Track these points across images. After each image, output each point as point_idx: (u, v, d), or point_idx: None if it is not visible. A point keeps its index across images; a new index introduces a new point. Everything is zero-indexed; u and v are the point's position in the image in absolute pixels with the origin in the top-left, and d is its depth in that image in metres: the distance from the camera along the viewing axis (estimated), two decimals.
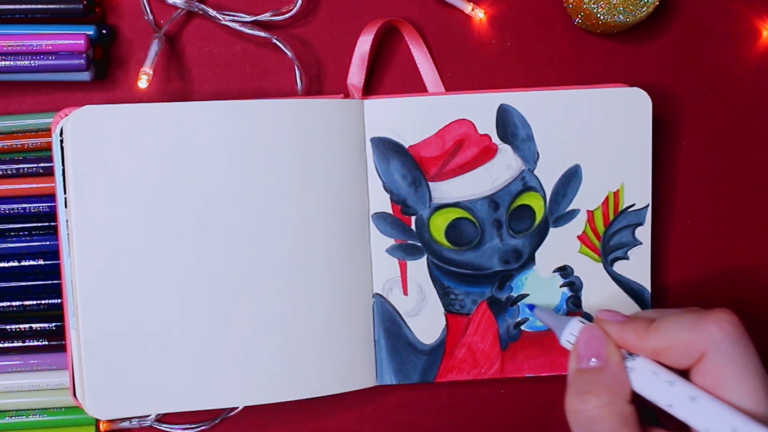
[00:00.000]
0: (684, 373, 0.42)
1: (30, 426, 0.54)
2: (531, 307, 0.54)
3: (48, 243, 0.53)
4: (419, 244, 0.53)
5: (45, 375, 0.54)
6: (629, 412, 0.41)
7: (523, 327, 0.54)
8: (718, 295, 0.57)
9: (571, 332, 0.46)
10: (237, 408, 0.55)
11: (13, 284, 0.53)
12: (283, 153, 0.50)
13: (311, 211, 0.51)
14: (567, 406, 0.42)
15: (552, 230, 0.54)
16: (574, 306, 0.54)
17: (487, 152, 0.53)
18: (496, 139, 0.53)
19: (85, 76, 0.51)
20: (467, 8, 0.55)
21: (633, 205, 0.54)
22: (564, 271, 0.54)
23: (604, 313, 0.45)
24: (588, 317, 0.54)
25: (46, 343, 0.53)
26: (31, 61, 0.50)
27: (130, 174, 0.49)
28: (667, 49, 0.56)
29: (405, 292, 0.54)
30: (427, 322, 0.54)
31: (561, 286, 0.54)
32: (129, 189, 0.49)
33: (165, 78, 0.54)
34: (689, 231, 0.57)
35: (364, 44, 0.53)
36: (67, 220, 0.49)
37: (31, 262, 0.53)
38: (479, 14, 0.55)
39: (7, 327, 0.53)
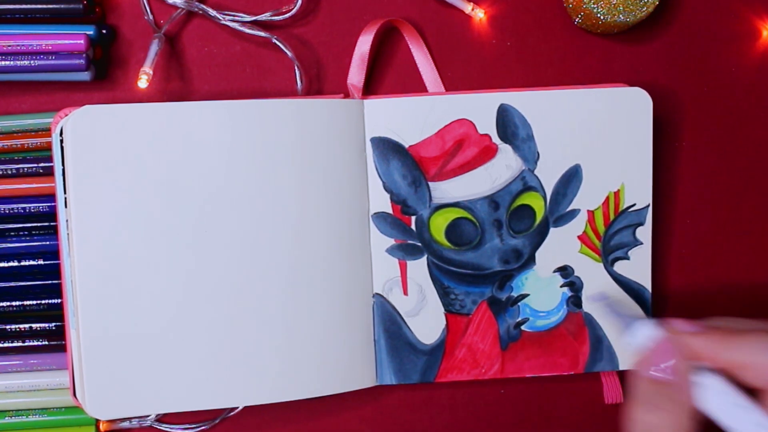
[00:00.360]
0: (755, 391, 0.42)
1: (30, 426, 0.54)
2: (603, 296, 0.52)
3: (48, 243, 0.53)
4: (419, 244, 0.53)
5: (45, 375, 0.54)
6: (693, 429, 0.41)
7: (523, 327, 0.54)
8: (719, 296, 0.57)
9: (643, 333, 0.44)
10: (237, 408, 0.55)
11: (12, 284, 0.53)
12: (283, 153, 0.50)
13: (311, 211, 0.51)
14: (631, 415, 0.42)
15: (552, 230, 0.54)
16: (574, 306, 0.54)
17: (487, 152, 0.53)
18: (496, 139, 0.53)
19: (85, 76, 0.51)
20: (467, 8, 0.55)
21: (633, 205, 0.54)
22: (564, 271, 0.54)
23: (680, 323, 0.44)
24: (589, 318, 0.54)
25: (46, 343, 0.53)
26: (31, 61, 0.50)
27: (130, 174, 0.49)
28: (667, 49, 0.56)
29: (405, 292, 0.54)
30: (427, 322, 0.54)
31: (561, 286, 0.54)
32: (129, 189, 0.49)
33: (165, 78, 0.54)
34: (690, 231, 0.57)
35: (364, 44, 0.53)
36: (67, 220, 0.49)
37: (31, 262, 0.53)
38: (479, 14, 0.55)
39: (7, 327, 0.53)
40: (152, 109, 0.49)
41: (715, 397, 0.42)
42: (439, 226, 0.53)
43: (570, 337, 0.54)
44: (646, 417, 0.41)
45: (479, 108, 0.53)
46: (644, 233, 0.54)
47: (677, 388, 0.42)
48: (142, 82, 0.50)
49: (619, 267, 0.54)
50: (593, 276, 0.54)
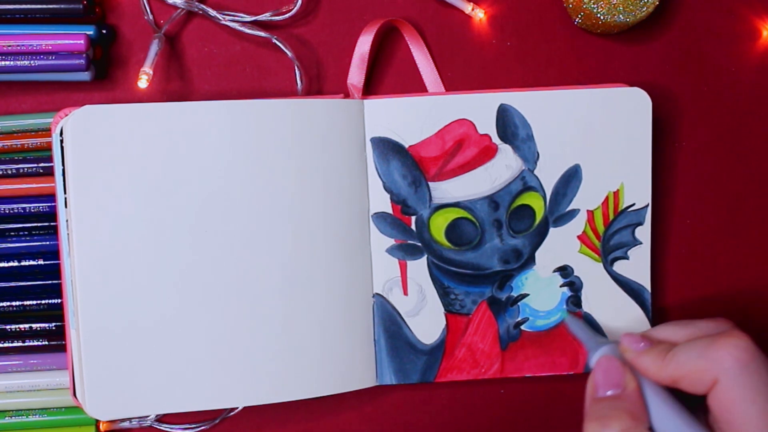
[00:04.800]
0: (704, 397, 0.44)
1: (30, 426, 0.54)
2: (568, 321, 0.53)
3: (48, 243, 0.53)
4: (419, 244, 0.53)
5: (45, 375, 0.54)
6: None
7: (523, 327, 0.54)
8: (718, 295, 0.57)
9: (599, 355, 0.47)
10: (237, 408, 0.55)
11: (13, 284, 0.53)
12: (283, 153, 0.50)
13: (311, 211, 0.51)
14: None
15: (552, 230, 0.54)
16: (574, 306, 0.54)
17: (487, 152, 0.53)
18: (496, 139, 0.53)
19: (85, 76, 0.51)
20: (467, 8, 0.55)
21: (633, 205, 0.54)
22: (564, 270, 0.54)
23: (627, 339, 0.46)
24: (589, 317, 0.54)
25: (46, 343, 0.53)
26: (31, 61, 0.50)
27: (129, 174, 0.49)
28: (667, 49, 0.56)
29: (405, 292, 0.54)
30: (427, 322, 0.54)
31: (561, 286, 0.54)
32: (129, 189, 0.49)
33: (165, 78, 0.54)
34: (689, 231, 0.57)
35: (364, 44, 0.53)
36: (67, 220, 0.49)
37: (31, 262, 0.53)
38: (479, 14, 0.55)
39: (7, 327, 0.53)
40: (152, 109, 0.49)
41: (659, 412, 0.44)
42: (439, 226, 0.53)
43: (570, 337, 0.54)
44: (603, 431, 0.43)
45: (479, 108, 0.53)
46: (643, 233, 0.54)
47: (627, 400, 0.44)
48: (142, 82, 0.50)
49: (619, 267, 0.54)
50: (593, 276, 0.54)
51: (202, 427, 0.55)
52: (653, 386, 0.44)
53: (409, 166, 0.53)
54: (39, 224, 0.53)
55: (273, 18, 0.54)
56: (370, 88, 0.55)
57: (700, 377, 0.42)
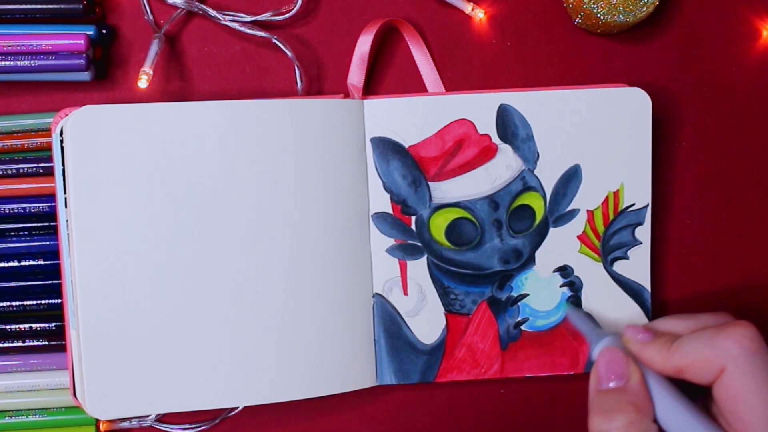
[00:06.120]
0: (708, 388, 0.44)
1: (30, 426, 0.54)
2: (569, 312, 0.53)
3: (48, 243, 0.53)
4: (419, 244, 0.53)
5: (45, 375, 0.54)
6: (655, 430, 0.43)
7: (523, 327, 0.54)
8: (718, 295, 0.57)
9: (601, 346, 0.47)
10: (237, 408, 0.55)
11: (13, 284, 0.53)
12: (283, 153, 0.50)
13: (311, 211, 0.51)
14: (591, 427, 0.43)
15: (552, 230, 0.54)
16: (574, 306, 0.54)
17: (487, 152, 0.53)
18: (496, 139, 0.53)
19: (85, 76, 0.51)
20: (467, 8, 0.55)
21: (633, 205, 0.54)
22: (564, 270, 0.54)
23: (630, 330, 0.46)
24: (590, 317, 0.54)
25: (46, 343, 0.53)
26: (31, 61, 0.50)
27: (130, 174, 0.49)
28: (667, 49, 0.56)
29: (405, 292, 0.54)
30: (427, 322, 0.54)
31: (561, 286, 0.54)
32: (129, 189, 0.49)
33: (165, 78, 0.54)
34: (689, 231, 0.57)
35: (364, 44, 0.53)
36: (67, 220, 0.49)
37: (31, 262, 0.53)
38: (479, 14, 0.55)
39: (7, 327, 0.53)
40: (152, 109, 0.49)
41: (664, 403, 0.44)
42: (439, 226, 0.53)
43: (569, 337, 0.55)
44: (608, 425, 0.43)
45: (479, 108, 0.53)
46: (643, 233, 0.54)
47: (631, 392, 0.44)
48: (142, 82, 0.50)
49: (619, 267, 0.54)
50: (593, 276, 0.54)
51: (202, 427, 0.55)
52: (657, 377, 0.44)
53: (409, 166, 0.53)
54: (39, 224, 0.53)
55: (273, 18, 0.54)
56: (370, 88, 0.55)
57: (707, 366, 0.42)
